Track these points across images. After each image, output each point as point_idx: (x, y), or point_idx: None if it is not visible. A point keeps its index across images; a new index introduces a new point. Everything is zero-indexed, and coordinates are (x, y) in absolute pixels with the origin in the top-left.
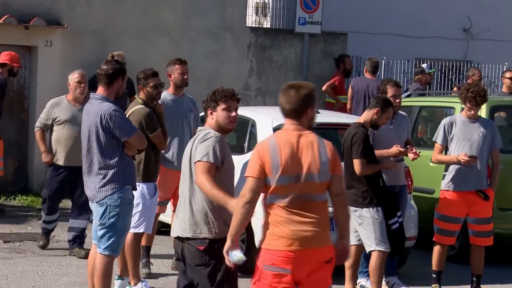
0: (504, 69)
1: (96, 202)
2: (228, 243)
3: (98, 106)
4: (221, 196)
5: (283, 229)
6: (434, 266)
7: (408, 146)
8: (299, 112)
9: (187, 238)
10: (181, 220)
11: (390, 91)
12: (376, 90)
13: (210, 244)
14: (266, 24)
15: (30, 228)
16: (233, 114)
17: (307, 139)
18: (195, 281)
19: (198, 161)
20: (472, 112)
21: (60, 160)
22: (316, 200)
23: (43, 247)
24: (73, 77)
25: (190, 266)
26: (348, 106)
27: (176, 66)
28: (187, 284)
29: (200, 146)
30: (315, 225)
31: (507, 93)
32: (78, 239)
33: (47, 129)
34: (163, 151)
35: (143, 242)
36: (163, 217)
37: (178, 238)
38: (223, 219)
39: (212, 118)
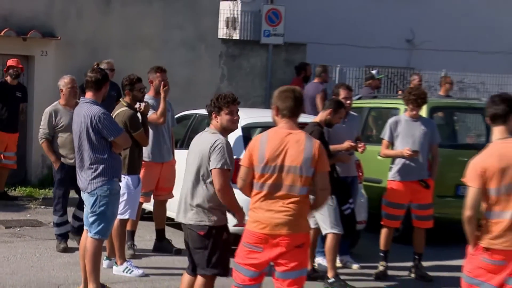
0: (442, 75)
1: (88, 193)
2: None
3: (88, 109)
4: (237, 207)
5: (259, 214)
6: (381, 246)
7: (358, 142)
8: (296, 112)
9: (190, 225)
10: (185, 209)
11: (342, 94)
12: (316, 91)
13: (209, 230)
14: (236, 36)
15: (28, 215)
16: (236, 117)
17: (295, 136)
18: (196, 261)
19: (218, 168)
20: (414, 112)
21: (70, 161)
22: (295, 192)
23: (65, 250)
24: (65, 83)
25: (191, 249)
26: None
27: (157, 74)
28: (194, 266)
29: (215, 154)
30: (288, 213)
31: (444, 96)
32: (82, 229)
33: (51, 137)
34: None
35: (128, 227)
36: (145, 205)
37: (183, 224)
38: (220, 210)
39: (217, 121)
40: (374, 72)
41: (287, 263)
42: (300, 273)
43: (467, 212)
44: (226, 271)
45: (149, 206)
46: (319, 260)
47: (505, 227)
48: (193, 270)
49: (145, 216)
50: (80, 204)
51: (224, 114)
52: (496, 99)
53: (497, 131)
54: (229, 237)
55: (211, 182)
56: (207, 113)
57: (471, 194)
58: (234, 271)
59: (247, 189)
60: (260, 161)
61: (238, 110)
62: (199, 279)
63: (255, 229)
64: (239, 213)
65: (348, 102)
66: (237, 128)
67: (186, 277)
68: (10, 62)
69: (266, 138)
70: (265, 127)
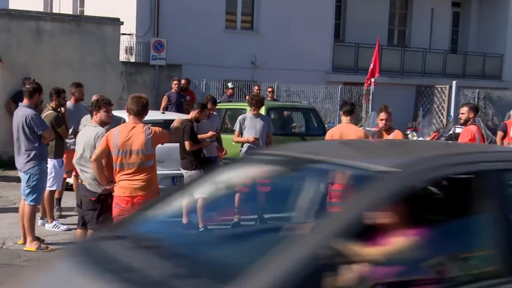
0: (275, 86)
1: (23, 172)
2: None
3: (24, 111)
4: (104, 180)
5: (121, 183)
6: None
7: (217, 131)
8: (141, 113)
9: (84, 192)
10: (84, 180)
11: (209, 105)
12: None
13: (98, 197)
14: (132, 59)
15: None
16: (110, 114)
17: (138, 129)
18: (86, 220)
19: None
20: (256, 111)
21: None
22: (145, 166)
23: None
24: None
25: (84, 210)
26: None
27: (79, 88)
28: (83, 222)
29: (99, 141)
30: (141, 181)
31: (272, 100)
32: None
33: None
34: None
35: (56, 195)
36: (68, 180)
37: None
38: (106, 183)
39: (97, 117)
40: (230, 84)
41: None
42: None
43: None
44: None
45: (70, 180)
46: None
47: None
48: (83, 225)
49: (68, 187)
50: None
51: (102, 112)
52: (348, 102)
53: (344, 119)
54: (111, 202)
55: None
56: (89, 112)
57: None
58: None
59: (99, 164)
60: (115, 147)
61: (111, 109)
62: (90, 232)
63: (122, 195)
64: (103, 183)
65: (212, 111)
66: (111, 122)
67: (79, 231)
68: None
69: (118, 131)
70: (152, 122)
